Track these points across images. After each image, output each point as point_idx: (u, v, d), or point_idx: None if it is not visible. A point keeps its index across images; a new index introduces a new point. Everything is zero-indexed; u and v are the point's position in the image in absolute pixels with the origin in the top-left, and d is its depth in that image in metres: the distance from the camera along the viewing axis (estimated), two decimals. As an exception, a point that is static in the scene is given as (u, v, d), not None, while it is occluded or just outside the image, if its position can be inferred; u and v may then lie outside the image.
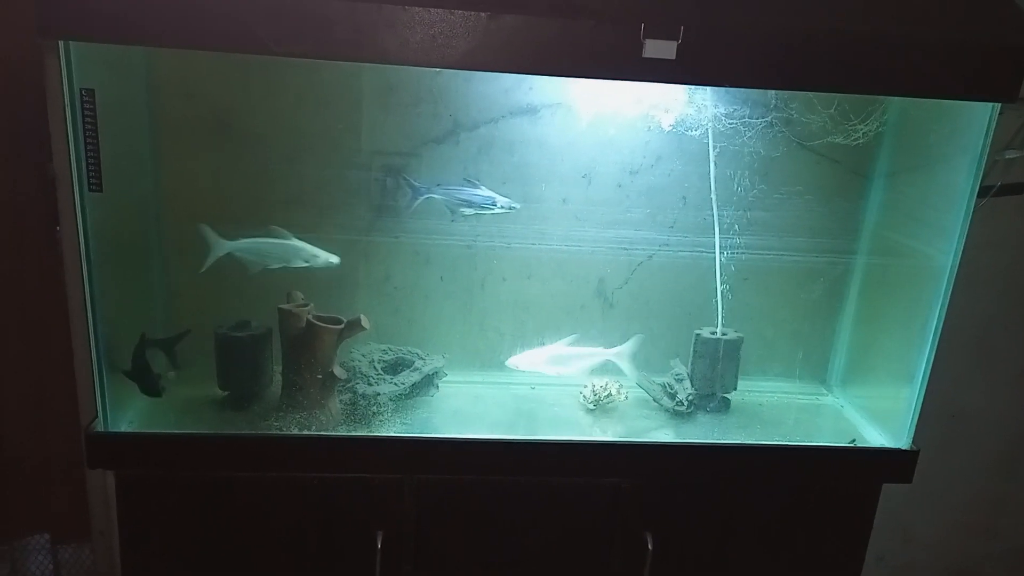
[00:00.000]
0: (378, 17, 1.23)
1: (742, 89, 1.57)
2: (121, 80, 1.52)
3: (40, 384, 1.81)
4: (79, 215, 1.35)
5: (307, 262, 1.57)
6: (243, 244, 1.57)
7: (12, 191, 1.69)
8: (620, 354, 1.72)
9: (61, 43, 1.26)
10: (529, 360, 1.70)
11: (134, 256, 1.64)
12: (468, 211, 1.59)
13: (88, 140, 1.33)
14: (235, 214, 1.67)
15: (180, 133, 1.63)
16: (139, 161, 1.60)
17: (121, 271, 1.54)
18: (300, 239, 1.58)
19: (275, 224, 1.62)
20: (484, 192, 1.58)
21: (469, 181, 1.60)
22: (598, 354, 1.72)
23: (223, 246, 1.56)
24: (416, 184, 1.61)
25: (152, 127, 1.60)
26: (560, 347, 1.71)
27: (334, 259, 1.59)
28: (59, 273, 1.42)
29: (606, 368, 1.76)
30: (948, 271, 1.54)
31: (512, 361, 1.69)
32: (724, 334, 1.74)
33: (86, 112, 1.32)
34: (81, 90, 1.30)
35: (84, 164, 1.34)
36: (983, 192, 1.59)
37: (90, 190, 1.35)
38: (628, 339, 1.72)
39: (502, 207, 1.59)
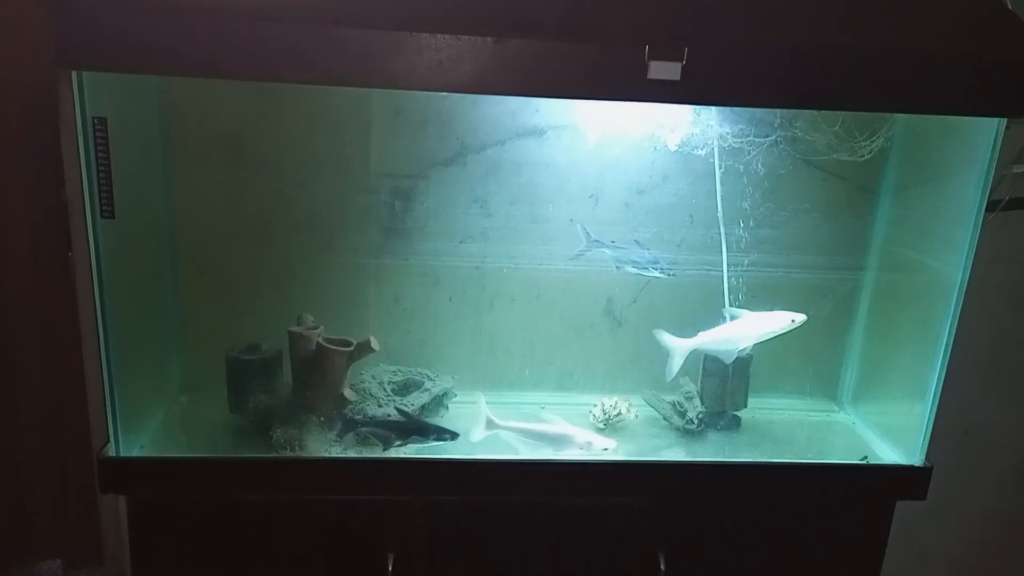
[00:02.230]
0: (386, 43, 1.25)
1: (747, 108, 1.58)
2: (133, 106, 1.54)
3: (54, 409, 1.82)
4: (91, 241, 1.37)
5: (580, 448, 1.60)
6: (514, 426, 1.61)
7: (29, 217, 1.71)
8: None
9: (74, 73, 1.28)
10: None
11: (147, 280, 1.65)
12: (631, 269, 1.67)
13: (100, 167, 1.35)
14: (246, 238, 1.69)
15: (192, 157, 1.65)
16: (151, 186, 1.62)
17: (134, 295, 1.55)
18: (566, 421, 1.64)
19: (284, 240, 1.67)
20: (648, 255, 1.67)
21: (638, 243, 1.69)
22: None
23: (493, 424, 1.60)
24: (592, 236, 1.68)
25: (164, 152, 1.62)
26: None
27: (610, 444, 1.60)
28: (73, 298, 1.43)
29: (615, 388, 1.77)
30: (958, 285, 1.53)
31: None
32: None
33: (98, 140, 1.33)
34: (94, 119, 1.32)
35: (96, 191, 1.35)
36: (991, 206, 1.59)
37: (102, 216, 1.37)
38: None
39: (660, 273, 1.67)
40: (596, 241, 1.67)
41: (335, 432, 1.57)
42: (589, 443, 1.59)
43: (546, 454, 1.59)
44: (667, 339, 1.67)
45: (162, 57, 1.24)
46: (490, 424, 1.60)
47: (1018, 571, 2.31)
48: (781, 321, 1.64)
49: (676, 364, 1.66)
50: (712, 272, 1.72)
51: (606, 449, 1.59)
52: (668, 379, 1.67)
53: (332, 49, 1.24)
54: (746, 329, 1.65)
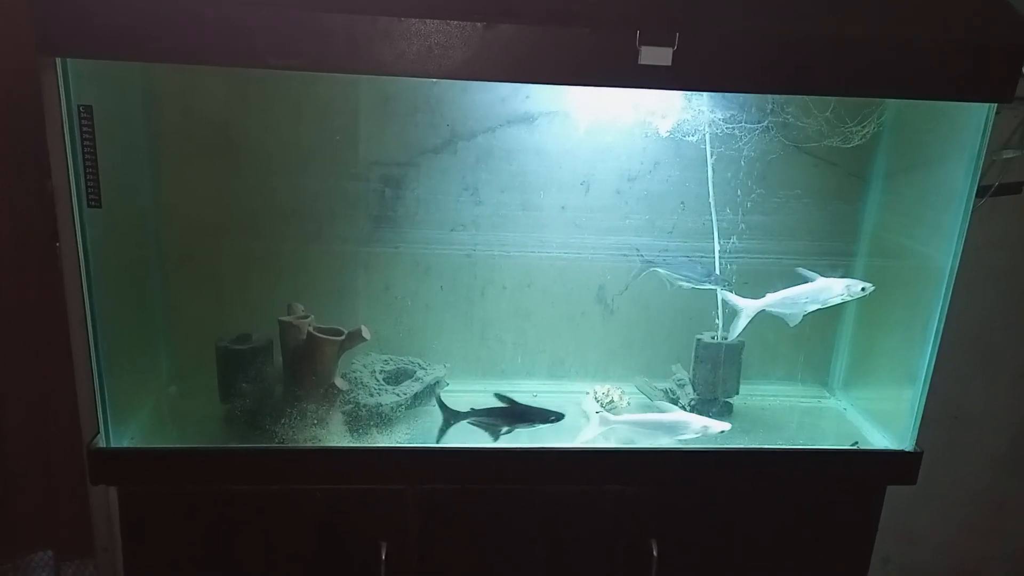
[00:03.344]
0: (374, 29, 1.24)
1: (739, 94, 1.58)
2: (119, 95, 1.52)
3: (43, 401, 1.81)
4: (78, 231, 1.36)
5: (696, 433, 1.60)
6: (627, 419, 1.62)
7: (14, 207, 1.69)
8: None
9: (58, 60, 1.27)
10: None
11: (134, 270, 1.64)
12: (686, 284, 1.68)
13: (87, 156, 1.33)
14: (235, 227, 1.67)
15: (179, 147, 1.63)
16: (138, 176, 1.60)
17: (121, 286, 1.54)
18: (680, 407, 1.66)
19: (272, 230, 1.66)
20: (700, 268, 1.68)
21: (690, 258, 1.70)
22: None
23: (607, 420, 1.60)
24: (646, 258, 1.70)
25: (150, 141, 1.61)
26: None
27: (725, 426, 1.61)
28: (60, 289, 1.42)
29: (607, 375, 1.76)
30: (948, 271, 1.54)
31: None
32: (725, 338, 1.74)
33: (84, 128, 1.32)
34: (79, 107, 1.31)
35: (83, 180, 1.34)
36: (981, 192, 1.59)
37: (89, 206, 1.35)
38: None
39: (715, 285, 1.69)
40: (649, 263, 1.69)
41: (439, 427, 1.57)
42: (706, 427, 1.60)
43: (663, 443, 1.59)
44: (735, 299, 1.67)
45: (146, 44, 1.23)
46: (603, 421, 1.60)
47: (1007, 554, 2.33)
48: (851, 288, 1.64)
49: (741, 324, 1.66)
50: (704, 259, 1.72)
51: (723, 432, 1.60)
52: (731, 337, 1.68)
53: (319, 35, 1.23)
54: (815, 293, 1.64)
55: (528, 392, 1.79)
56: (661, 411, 1.64)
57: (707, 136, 1.63)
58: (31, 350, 1.79)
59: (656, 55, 1.28)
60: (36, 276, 1.73)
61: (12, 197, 1.69)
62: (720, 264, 1.72)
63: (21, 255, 1.73)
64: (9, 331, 1.76)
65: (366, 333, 1.57)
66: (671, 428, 1.60)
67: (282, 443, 1.53)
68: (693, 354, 1.76)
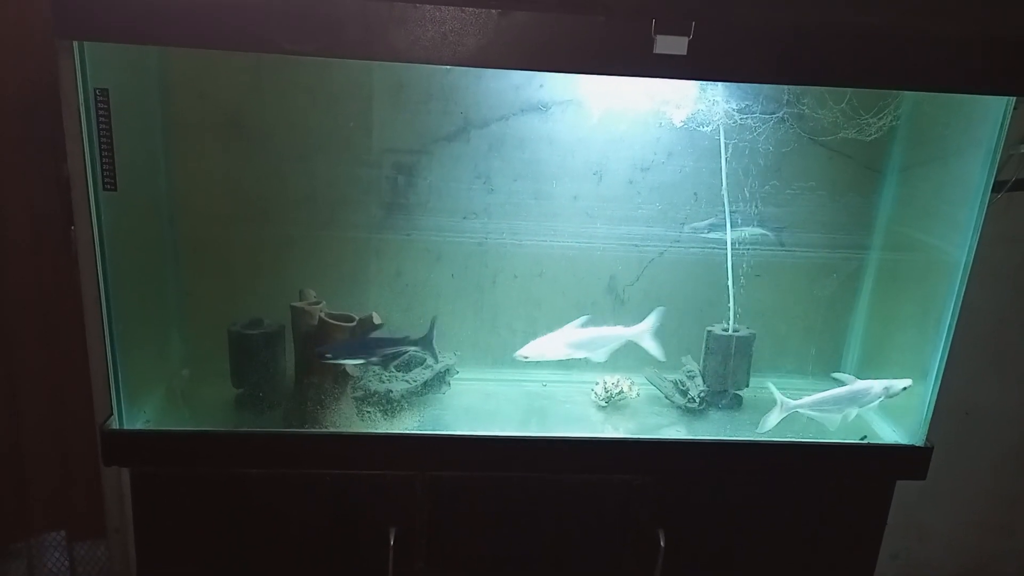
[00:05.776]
0: (389, 15, 1.24)
1: (754, 84, 1.57)
2: (134, 80, 1.53)
3: (56, 382, 1.83)
4: (93, 214, 1.36)
5: (880, 396, 1.61)
6: (808, 401, 1.62)
7: (28, 192, 1.71)
8: (640, 334, 1.67)
9: (76, 43, 1.27)
10: (540, 348, 1.65)
11: (148, 255, 1.65)
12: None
13: (103, 139, 1.34)
14: (248, 212, 1.68)
15: (193, 132, 1.64)
16: (153, 160, 1.61)
17: (135, 269, 1.55)
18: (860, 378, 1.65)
19: (285, 216, 1.66)
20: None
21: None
22: (616, 335, 1.67)
23: (788, 406, 1.61)
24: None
25: (165, 126, 1.61)
26: (573, 330, 1.66)
27: (906, 383, 1.62)
28: (74, 272, 1.43)
29: (617, 366, 1.76)
30: (962, 266, 1.53)
31: (522, 352, 1.64)
32: (736, 330, 1.74)
33: (100, 112, 1.33)
34: (95, 90, 1.31)
35: (99, 163, 1.35)
36: (998, 187, 1.58)
37: (105, 189, 1.36)
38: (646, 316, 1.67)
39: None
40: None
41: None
42: (887, 387, 1.61)
43: (847, 412, 1.61)
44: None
45: (162, 28, 1.23)
46: (784, 406, 1.61)
47: (1016, 550, 2.32)
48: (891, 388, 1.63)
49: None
50: (716, 251, 1.72)
51: (905, 388, 1.61)
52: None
53: (333, 21, 1.23)
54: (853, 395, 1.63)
55: (537, 382, 1.80)
56: (839, 384, 1.64)
57: (721, 127, 1.62)
58: (46, 333, 1.80)
59: (671, 44, 1.27)
60: (51, 259, 1.75)
61: (28, 181, 1.70)
62: (732, 256, 1.72)
63: (36, 239, 1.74)
64: (24, 314, 1.78)
65: (377, 320, 1.58)
66: (854, 398, 1.61)
67: (293, 428, 1.54)
68: (703, 345, 1.76)
